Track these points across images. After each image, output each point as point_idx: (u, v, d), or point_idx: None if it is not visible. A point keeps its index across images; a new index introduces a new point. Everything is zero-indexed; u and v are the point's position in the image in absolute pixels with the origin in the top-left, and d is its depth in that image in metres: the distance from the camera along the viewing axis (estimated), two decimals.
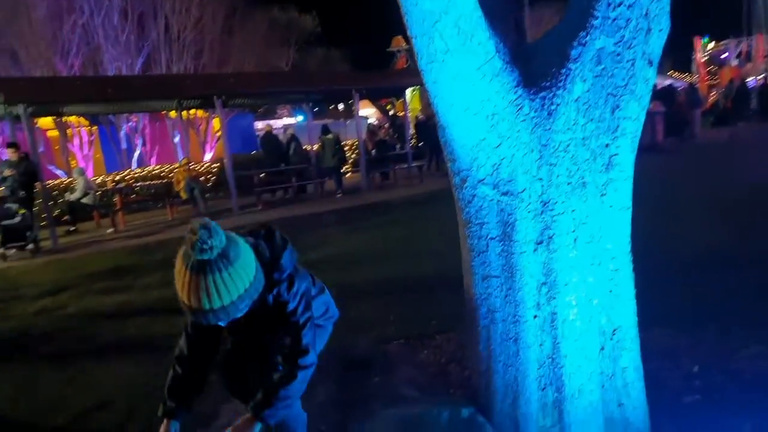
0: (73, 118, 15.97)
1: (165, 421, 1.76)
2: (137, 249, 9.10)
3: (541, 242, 2.09)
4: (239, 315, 1.65)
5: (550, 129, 2.03)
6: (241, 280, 1.58)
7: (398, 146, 17.31)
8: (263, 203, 12.77)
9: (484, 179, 2.10)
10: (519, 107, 2.01)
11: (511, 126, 2.01)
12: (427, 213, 9.81)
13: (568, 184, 2.08)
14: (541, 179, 2.07)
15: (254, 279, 1.64)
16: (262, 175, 13.68)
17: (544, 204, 2.08)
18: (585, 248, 2.12)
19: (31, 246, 9.41)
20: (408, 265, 6.49)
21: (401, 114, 20.16)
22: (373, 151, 16.19)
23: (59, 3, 15.63)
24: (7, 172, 9.84)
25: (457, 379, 3.37)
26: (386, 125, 18.15)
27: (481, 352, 2.25)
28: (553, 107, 2.03)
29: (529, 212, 2.09)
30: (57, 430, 3.46)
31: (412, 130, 17.58)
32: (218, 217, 11.42)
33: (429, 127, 15.45)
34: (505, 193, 2.09)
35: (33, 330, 5.53)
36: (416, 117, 19.01)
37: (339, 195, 12.96)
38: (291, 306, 1.79)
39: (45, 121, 17.01)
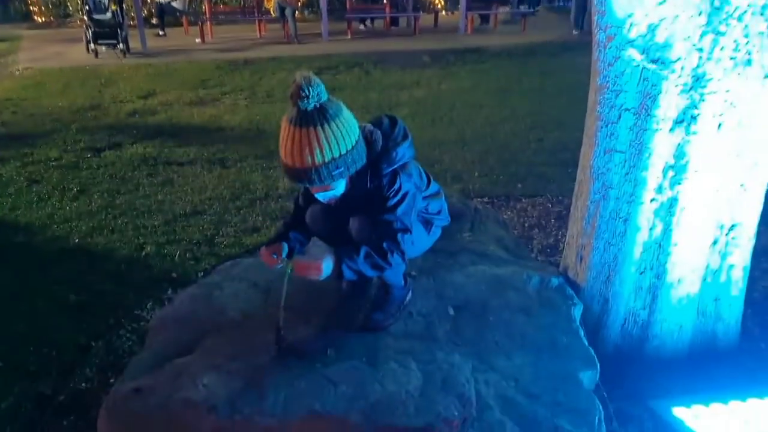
0: None
1: (277, 243, 1.84)
2: (225, 64, 9.13)
3: (681, 121, 1.88)
4: (334, 185, 1.67)
5: None
6: (339, 139, 1.59)
7: None
8: (353, 32, 12.30)
9: (634, 41, 1.85)
10: None
11: None
12: (525, 67, 9.20)
13: (731, 59, 1.80)
14: (701, 49, 1.80)
15: (354, 148, 1.63)
16: None
17: (697, 79, 1.83)
18: (728, 135, 1.90)
19: (121, 46, 9.59)
20: (500, 120, 6.24)
21: None
22: None
23: None
24: None
25: (540, 246, 3.36)
26: None
27: (585, 226, 2.16)
28: None
29: (676, 86, 1.85)
30: (155, 229, 3.75)
31: None
32: (306, 42, 11.17)
33: None
34: (655, 61, 1.85)
35: (126, 130, 5.84)
36: None
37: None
38: (390, 202, 1.74)
39: None
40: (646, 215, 2.00)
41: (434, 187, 2.02)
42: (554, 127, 5.91)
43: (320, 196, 1.75)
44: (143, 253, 3.46)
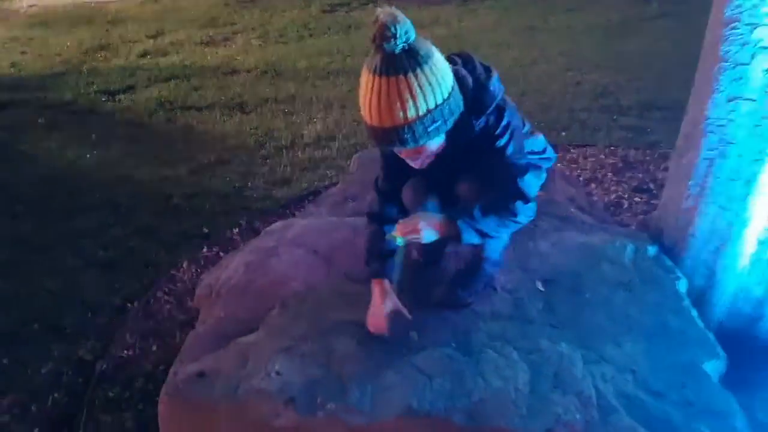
0: None
1: (377, 282, 1.56)
2: (233, 1, 8.58)
3: None
4: (430, 144, 1.37)
5: None
6: (435, 85, 1.29)
7: None
8: None
9: None
10: None
11: None
12: (548, 4, 8.56)
13: None
14: None
15: (450, 95, 1.33)
16: None
17: None
18: None
19: None
20: (530, 62, 5.80)
21: None
22: None
23: None
24: None
25: (601, 204, 3.07)
26: None
27: (691, 186, 1.87)
28: None
29: None
30: (181, 179, 3.48)
31: None
32: None
33: None
34: None
35: (139, 72, 5.48)
36: None
37: None
38: (501, 142, 1.44)
39: None
40: None
41: (529, 124, 1.70)
42: (591, 69, 5.49)
43: (412, 161, 1.44)
44: (170, 205, 3.22)
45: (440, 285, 1.69)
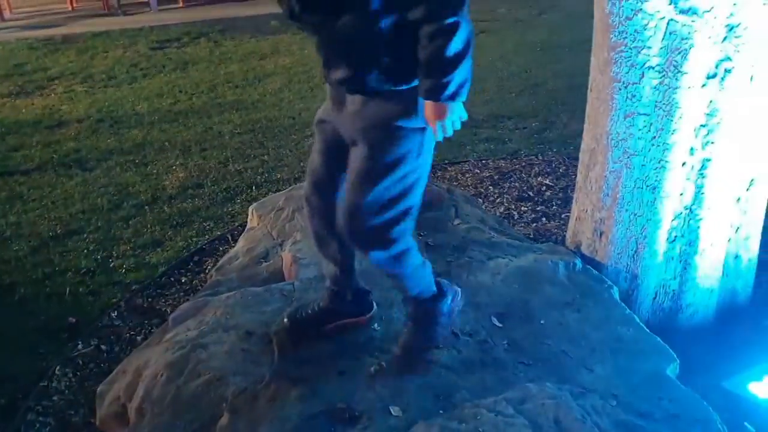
0: None
1: None
2: (39, 44, 7.63)
3: (714, 76, 1.73)
4: None
5: None
6: None
7: None
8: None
9: None
10: None
11: None
12: None
13: (764, 3, 1.67)
14: None
15: None
16: None
17: (730, 29, 1.68)
18: (760, 88, 1.77)
19: None
20: None
21: None
22: None
23: None
24: None
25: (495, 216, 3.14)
26: None
27: (603, 198, 1.96)
28: None
29: (709, 38, 1.68)
30: (23, 261, 2.92)
31: None
32: (133, 13, 9.78)
33: None
34: (685, 12, 1.66)
35: None
36: None
37: None
38: None
39: None
40: (676, 180, 1.85)
41: None
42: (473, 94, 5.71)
43: None
44: (16, 298, 2.67)
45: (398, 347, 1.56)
